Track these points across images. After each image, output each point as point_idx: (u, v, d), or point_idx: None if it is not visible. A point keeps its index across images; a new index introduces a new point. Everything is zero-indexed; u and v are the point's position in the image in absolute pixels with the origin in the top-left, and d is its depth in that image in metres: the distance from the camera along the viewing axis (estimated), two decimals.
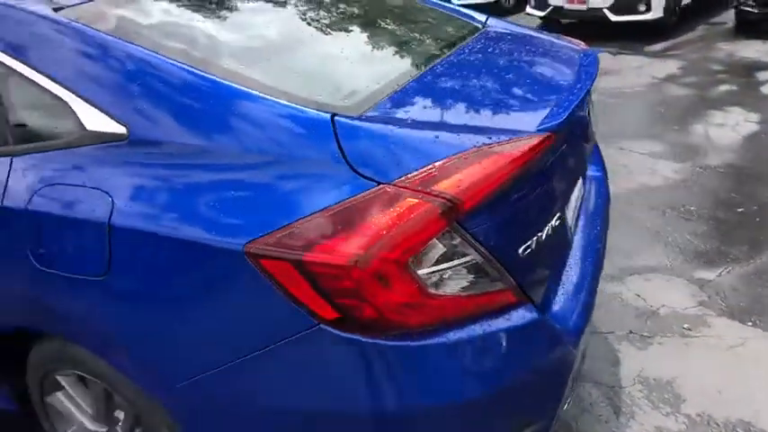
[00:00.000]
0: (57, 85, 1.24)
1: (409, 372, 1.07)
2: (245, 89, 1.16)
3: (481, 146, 1.08)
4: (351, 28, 1.69)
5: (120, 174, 1.17)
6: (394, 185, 1.03)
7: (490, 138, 1.11)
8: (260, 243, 1.02)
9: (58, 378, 1.47)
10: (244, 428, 1.20)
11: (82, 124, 1.23)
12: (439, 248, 1.06)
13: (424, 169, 1.04)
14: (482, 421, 1.15)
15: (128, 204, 1.14)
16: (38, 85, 1.26)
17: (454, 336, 1.09)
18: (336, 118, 1.11)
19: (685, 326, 2.33)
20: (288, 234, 1.02)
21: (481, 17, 2.07)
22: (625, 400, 2.00)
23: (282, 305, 1.04)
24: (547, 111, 1.25)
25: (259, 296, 1.05)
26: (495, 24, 2.02)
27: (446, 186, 1.03)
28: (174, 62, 1.19)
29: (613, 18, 7.09)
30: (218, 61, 1.26)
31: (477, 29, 1.93)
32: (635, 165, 3.78)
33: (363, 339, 1.04)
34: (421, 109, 1.26)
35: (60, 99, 1.24)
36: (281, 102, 1.14)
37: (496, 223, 1.10)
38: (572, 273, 1.48)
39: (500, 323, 1.13)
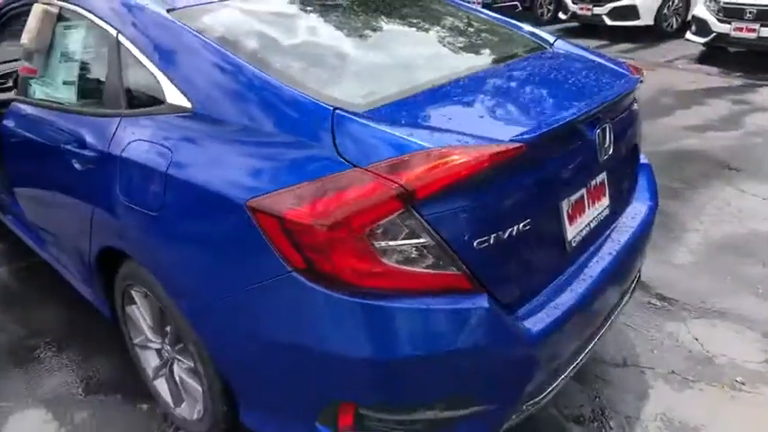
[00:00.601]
0: (155, 67, 1.64)
1: (354, 324, 1.27)
2: (282, 85, 1.45)
3: (446, 146, 1.25)
4: (410, 39, 1.92)
5: (180, 136, 1.53)
6: (364, 169, 1.25)
7: (459, 141, 1.28)
8: (256, 200, 1.30)
9: (133, 293, 1.89)
10: (236, 348, 1.49)
11: (165, 97, 1.61)
12: (395, 226, 1.24)
13: (391, 159, 1.24)
14: (407, 382, 1.32)
15: (180, 159, 1.49)
16: (143, 65, 1.67)
17: (401, 302, 1.27)
18: (337, 111, 1.35)
19: (738, 379, 2.19)
20: (276, 196, 1.28)
21: (550, 38, 2.16)
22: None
23: (269, 252, 1.30)
24: (533, 125, 1.37)
25: (255, 242, 1.32)
26: (561, 46, 2.10)
27: (404, 175, 1.21)
28: (232, 58, 1.52)
29: None
30: (270, 60, 1.57)
31: (537, 48, 2.04)
32: (751, 209, 3.48)
33: (321, 289, 1.26)
34: (422, 112, 1.44)
35: (156, 77, 1.64)
36: (302, 95, 1.41)
37: (451, 214, 1.26)
38: (565, 286, 1.56)
39: (447, 303, 1.29)
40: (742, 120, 5.19)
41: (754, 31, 6.64)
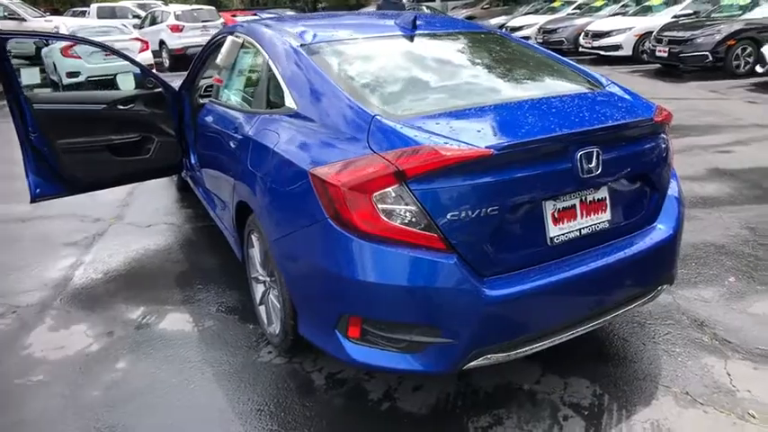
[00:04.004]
0: (282, 81, 2.44)
1: (360, 257, 1.86)
2: (350, 99, 2.12)
3: (434, 145, 1.81)
4: (466, 73, 2.48)
5: (285, 126, 2.30)
6: (379, 155, 1.86)
7: (446, 143, 1.82)
8: (313, 169, 1.98)
9: (252, 237, 2.69)
10: (294, 272, 2.17)
11: (285, 102, 2.40)
12: (392, 195, 1.82)
13: (395, 150, 1.84)
14: (392, 304, 1.86)
15: (282, 141, 2.24)
16: (277, 79, 2.49)
17: (393, 248, 1.84)
18: (376, 117, 1.98)
19: (751, 411, 2.27)
20: (324, 167, 1.95)
21: (604, 81, 2.54)
22: (622, 426, 2.21)
23: (317, 204, 1.96)
24: (508, 140, 1.85)
25: (310, 197, 1.99)
26: (613, 86, 2.46)
27: (399, 160, 1.80)
28: (325, 78, 2.24)
29: None
30: (349, 82, 2.26)
31: (586, 88, 2.45)
32: None
33: (343, 231, 1.89)
34: (437, 123, 1.98)
35: (282, 88, 2.44)
36: (359, 107, 2.07)
37: (433, 192, 1.80)
38: (541, 273, 1.97)
39: (424, 254, 1.82)
40: None
41: None
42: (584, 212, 2.07)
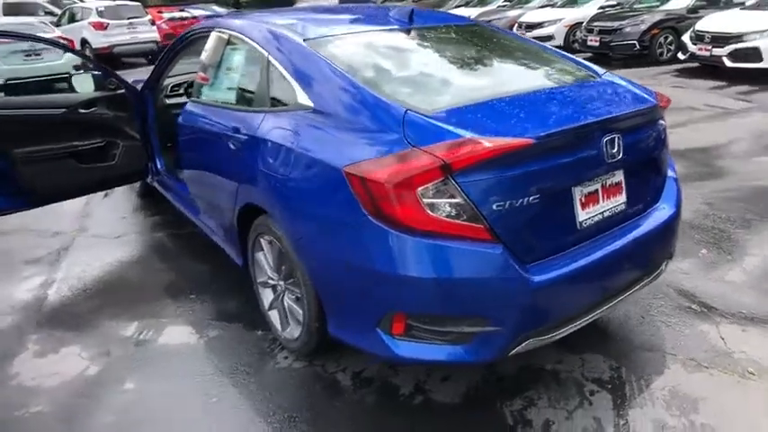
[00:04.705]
0: (291, 77, 2.38)
1: (406, 253, 1.86)
2: (375, 93, 2.10)
3: (474, 137, 1.83)
4: (479, 66, 2.53)
5: (303, 124, 2.24)
6: (420, 149, 1.86)
7: (486, 133, 1.85)
8: (349, 167, 1.95)
9: (261, 240, 2.61)
10: (326, 272, 2.13)
11: (297, 99, 2.34)
12: (437, 188, 1.83)
13: (438, 144, 1.84)
14: (442, 298, 1.88)
15: (302, 139, 2.19)
16: (283, 76, 2.42)
17: (439, 241, 1.85)
18: (408, 112, 1.98)
19: (750, 370, 2.46)
20: (363, 164, 1.92)
21: (600, 71, 2.65)
22: (645, 395, 2.33)
23: (354, 201, 1.94)
24: (543, 129, 1.90)
25: (346, 195, 1.96)
26: (607, 77, 2.58)
27: (445, 154, 1.81)
28: (342, 73, 2.21)
29: None
30: (369, 76, 2.24)
31: (586, 77, 2.55)
32: None
33: (386, 228, 1.87)
34: (468, 115, 2.01)
35: (291, 85, 2.38)
36: (388, 101, 2.06)
37: (478, 183, 1.82)
38: (574, 256, 2.04)
39: (471, 246, 1.85)
40: None
41: None
42: (605, 196, 2.16)
